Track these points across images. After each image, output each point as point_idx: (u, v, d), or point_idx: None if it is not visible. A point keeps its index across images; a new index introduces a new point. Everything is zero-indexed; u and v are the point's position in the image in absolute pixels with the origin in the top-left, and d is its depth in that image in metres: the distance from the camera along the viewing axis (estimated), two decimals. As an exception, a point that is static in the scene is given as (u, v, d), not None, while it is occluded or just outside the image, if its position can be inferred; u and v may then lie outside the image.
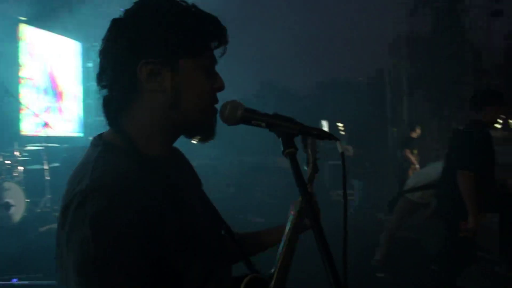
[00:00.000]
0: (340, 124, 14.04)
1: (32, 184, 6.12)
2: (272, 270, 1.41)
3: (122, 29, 1.08)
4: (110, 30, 1.10)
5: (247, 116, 1.11)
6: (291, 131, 1.06)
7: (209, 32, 1.11)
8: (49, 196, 6.27)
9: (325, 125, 17.32)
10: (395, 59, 10.62)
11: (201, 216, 1.17)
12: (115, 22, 1.11)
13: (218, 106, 1.17)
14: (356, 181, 8.43)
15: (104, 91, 1.13)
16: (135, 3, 1.11)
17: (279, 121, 1.08)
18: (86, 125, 9.38)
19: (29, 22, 7.65)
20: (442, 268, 4.24)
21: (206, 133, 1.16)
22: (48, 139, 6.33)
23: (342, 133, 13.51)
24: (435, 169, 4.90)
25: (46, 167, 6.24)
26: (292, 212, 1.58)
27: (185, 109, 1.09)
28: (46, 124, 6.23)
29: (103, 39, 1.12)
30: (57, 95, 8.56)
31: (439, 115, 11.64)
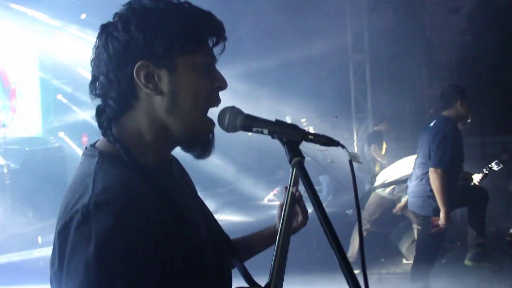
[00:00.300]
0: (303, 120, 14.12)
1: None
2: (269, 279, 1.38)
3: (113, 32, 1.02)
4: (100, 36, 1.04)
5: (248, 124, 1.07)
6: (295, 139, 1.03)
7: (204, 28, 1.06)
8: (10, 201, 5.98)
9: (289, 120, 17.35)
10: (357, 54, 10.76)
11: (202, 229, 1.12)
12: (104, 27, 1.05)
13: (218, 108, 1.12)
14: (322, 176, 8.49)
15: (97, 100, 1.07)
16: (124, 5, 1.05)
17: (283, 128, 1.04)
18: (45, 125, 9.02)
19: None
20: (414, 261, 4.34)
21: (203, 146, 1.11)
22: (5, 140, 6.02)
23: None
24: (404, 165, 5.00)
25: (5, 170, 5.95)
26: (281, 217, 1.56)
27: (183, 113, 1.04)
28: (3, 125, 5.92)
29: (93, 47, 1.06)
30: (10, 93, 8.17)
31: (397, 109, 11.93)
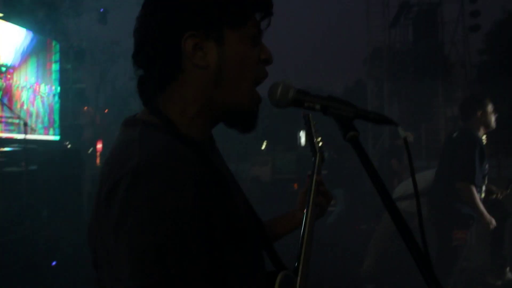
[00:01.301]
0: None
1: (7, 187, 5.84)
2: (296, 264, 1.37)
3: (162, 1, 1.00)
4: (145, 5, 1.03)
5: (299, 98, 1.04)
6: (349, 114, 1.00)
7: (254, 0, 1.03)
8: (24, 200, 5.98)
9: (302, 136, 17.29)
10: (376, 70, 10.76)
11: (243, 207, 1.09)
12: None
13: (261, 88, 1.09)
14: (337, 190, 8.41)
15: (140, 71, 1.04)
16: None
17: (335, 104, 1.00)
18: (62, 129, 9.08)
19: (5, 18, 7.35)
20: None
21: (247, 121, 1.08)
22: (25, 140, 6.03)
23: (320, 143, 13.55)
24: (423, 178, 4.92)
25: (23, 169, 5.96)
26: (303, 204, 1.55)
27: (230, 86, 1.02)
28: (25, 125, 5.92)
29: (138, 17, 1.04)
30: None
31: (413, 128, 11.85)
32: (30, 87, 7.93)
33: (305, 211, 1.50)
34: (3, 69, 6.83)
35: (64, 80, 9.15)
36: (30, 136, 6.38)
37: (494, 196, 4.06)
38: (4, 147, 6.00)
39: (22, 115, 6.69)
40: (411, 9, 10.92)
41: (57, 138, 8.89)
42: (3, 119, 6.61)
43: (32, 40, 8.21)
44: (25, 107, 7.60)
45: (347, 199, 8.18)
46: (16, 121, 6.38)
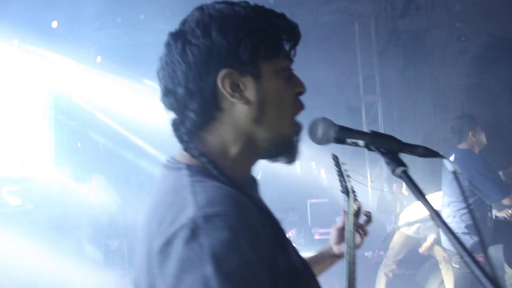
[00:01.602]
0: (312, 163, 14.12)
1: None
2: None
3: (191, 39, 0.95)
4: (171, 45, 0.98)
5: (342, 135, 1.02)
6: (394, 149, 0.99)
7: (283, 30, 1.01)
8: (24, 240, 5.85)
9: (298, 164, 17.22)
10: (369, 96, 10.86)
11: (294, 247, 1.06)
12: (177, 35, 0.98)
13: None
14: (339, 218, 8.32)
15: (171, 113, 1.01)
16: (195, 10, 0.99)
17: (379, 139, 1.00)
18: (58, 166, 8.96)
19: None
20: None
21: (290, 154, 1.05)
22: (23, 179, 5.96)
23: (315, 171, 13.61)
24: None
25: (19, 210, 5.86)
26: (336, 239, 1.56)
27: (271, 122, 0.98)
28: (23, 164, 5.85)
29: (162, 57, 1.00)
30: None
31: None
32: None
33: (344, 248, 1.51)
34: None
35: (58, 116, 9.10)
36: (29, 175, 6.31)
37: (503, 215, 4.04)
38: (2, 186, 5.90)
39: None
40: (399, 36, 11.14)
41: (53, 175, 8.78)
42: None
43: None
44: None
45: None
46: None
